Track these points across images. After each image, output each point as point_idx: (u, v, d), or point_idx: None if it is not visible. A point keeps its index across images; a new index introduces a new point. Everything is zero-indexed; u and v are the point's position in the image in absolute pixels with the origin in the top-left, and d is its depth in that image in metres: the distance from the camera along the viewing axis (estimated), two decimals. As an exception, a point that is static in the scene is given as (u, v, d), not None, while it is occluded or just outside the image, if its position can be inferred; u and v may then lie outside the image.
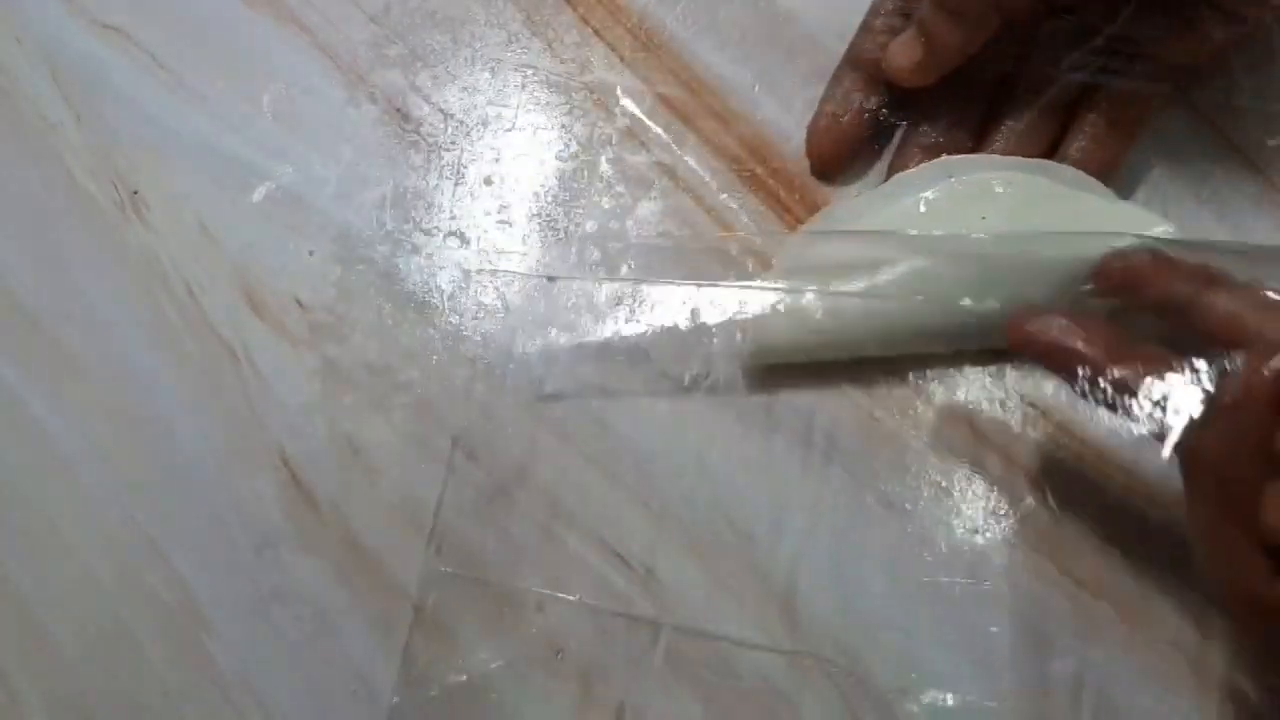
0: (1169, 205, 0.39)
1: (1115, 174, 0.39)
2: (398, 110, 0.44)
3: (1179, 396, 0.29)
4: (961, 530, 0.37)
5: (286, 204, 0.43)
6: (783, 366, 0.39)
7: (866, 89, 0.40)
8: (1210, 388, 0.29)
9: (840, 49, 0.42)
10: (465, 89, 0.44)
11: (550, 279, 0.38)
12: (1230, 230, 0.39)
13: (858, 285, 0.37)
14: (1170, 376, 0.30)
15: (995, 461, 0.37)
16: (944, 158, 0.38)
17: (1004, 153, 0.38)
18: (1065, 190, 0.38)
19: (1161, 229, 0.37)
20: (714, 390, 0.39)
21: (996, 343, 0.37)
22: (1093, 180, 0.38)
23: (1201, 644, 0.35)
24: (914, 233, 0.37)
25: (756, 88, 0.43)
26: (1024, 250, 0.36)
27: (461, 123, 0.44)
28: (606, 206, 0.42)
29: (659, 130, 0.42)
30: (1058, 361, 0.32)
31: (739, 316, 0.39)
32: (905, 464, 0.38)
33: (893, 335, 0.38)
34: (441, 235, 0.42)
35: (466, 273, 0.41)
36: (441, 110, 0.44)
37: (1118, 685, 0.35)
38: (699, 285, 0.39)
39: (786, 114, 0.42)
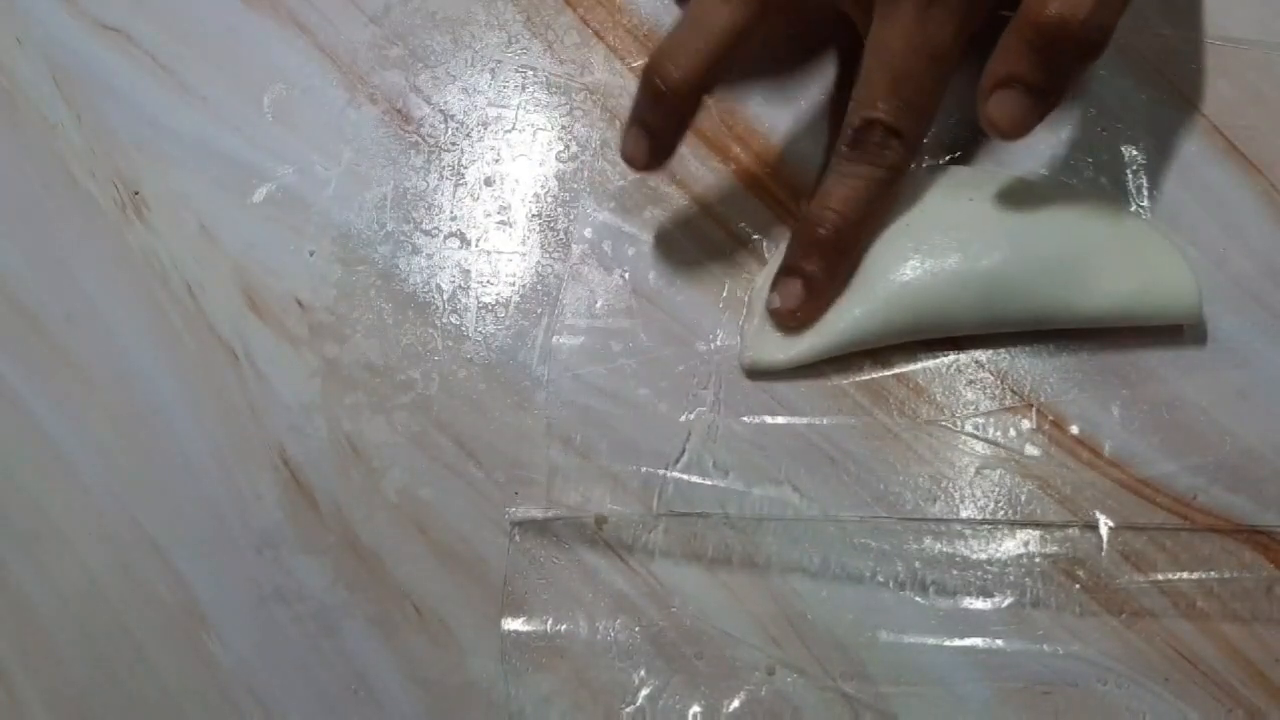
0: (1167, 204, 0.39)
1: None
2: (398, 111, 0.44)
3: None
4: (961, 528, 0.37)
5: (287, 204, 0.43)
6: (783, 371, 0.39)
7: None
8: None
9: (839, 48, 0.42)
10: (465, 90, 0.44)
11: (599, 522, 0.38)
12: (1229, 230, 0.39)
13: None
14: None
15: (997, 461, 0.37)
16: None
17: None
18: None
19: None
20: (717, 398, 0.39)
21: (997, 327, 0.38)
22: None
23: (1199, 640, 0.35)
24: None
25: (756, 88, 0.43)
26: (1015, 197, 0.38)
27: (462, 124, 0.44)
28: (607, 208, 0.42)
29: (659, 131, 0.42)
30: None
31: (741, 321, 0.39)
32: (907, 465, 0.38)
33: (891, 327, 0.38)
34: (442, 236, 0.42)
35: (466, 272, 0.42)
36: (442, 111, 0.44)
37: (1118, 685, 0.35)
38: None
39: (786, 113, 0.42)
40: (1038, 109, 0.34)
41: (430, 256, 0.42)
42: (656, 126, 0.37)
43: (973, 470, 0.37)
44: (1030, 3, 0.33)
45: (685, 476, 0.38)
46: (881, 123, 0.36)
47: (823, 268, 0.37)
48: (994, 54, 0.34)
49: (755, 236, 0.41)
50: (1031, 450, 0.37)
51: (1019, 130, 0.35)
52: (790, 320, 0.38)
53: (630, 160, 0.38)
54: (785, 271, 0.38)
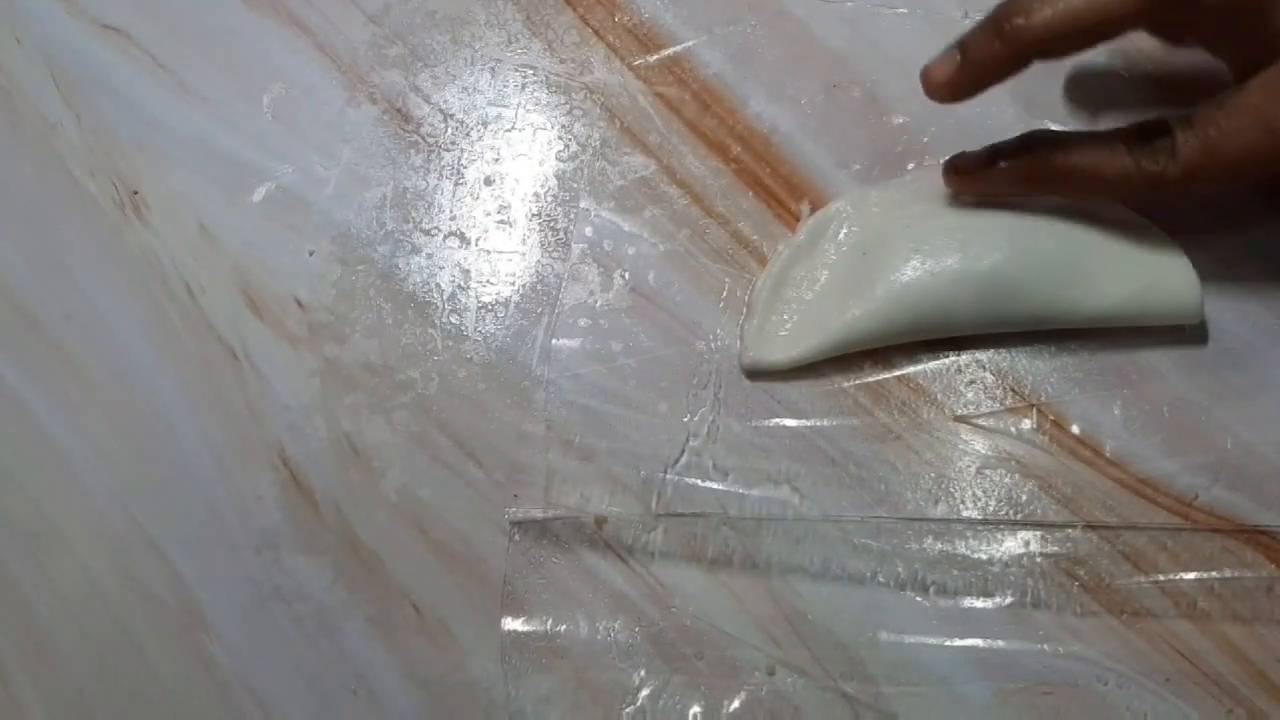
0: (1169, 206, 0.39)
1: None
2: (398, 110, 0.44)
3: None
4: (962, 528, 0.37)
5: (286, 204, 0.43)
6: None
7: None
8: None
9: (839, 48, 0.42)
10: (465, 89, 0.44)
11: (599, 522, 0.38)
12: (1230, 230, 0.39)
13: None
14: None
15: (998, 461, 0.37)
16: None
17: None
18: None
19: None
20: (717, 398, 0.39)
21: (998, 327, 0.38)
22: None
23: (1200, 640, 0.35)
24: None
25: (756, 87, 0.43)
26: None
27: (461, 123, 0.44)
28: (607, 208, 0.42)
29: (658, 130, 0.42)
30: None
31: (740, 325, 0.39)
32: (908, 466, 0.38)
33: (891, 327, 0.38)
34: (441, 235, 0.42)
35: (466, 272, 0.41)
36: (441, 110, 0.44)
37: (1118, 685, 0.35)
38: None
39: (786, 113, 0.42)
40: None
41: (430, 256, 0.42)
42: (976, 60, 0.36)
43: (973, 470, 0.37)
44: None
45: (685, 477, 0.38)
46: (1174, 136, 0.34)
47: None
48: None
49: (755, 236, 0.41)
50: (1032, 450, 0.37)
51: None
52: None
53: (929, 77, 0.36)
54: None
